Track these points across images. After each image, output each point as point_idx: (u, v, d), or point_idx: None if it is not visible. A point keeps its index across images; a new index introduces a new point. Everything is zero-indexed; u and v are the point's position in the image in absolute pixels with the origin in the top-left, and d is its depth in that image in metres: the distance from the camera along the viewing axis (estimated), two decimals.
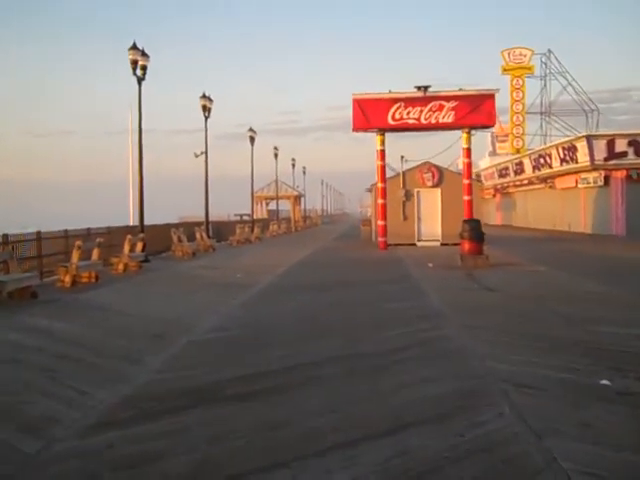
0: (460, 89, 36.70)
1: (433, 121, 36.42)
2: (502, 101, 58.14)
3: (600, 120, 68.63)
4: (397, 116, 36.48)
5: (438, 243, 40.04)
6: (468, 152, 37.39)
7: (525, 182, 67.32)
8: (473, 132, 37.73)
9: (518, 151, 68.66)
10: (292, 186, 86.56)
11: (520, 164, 66.85)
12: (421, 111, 36.38)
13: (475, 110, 36.00)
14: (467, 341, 11.98)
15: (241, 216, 78.15)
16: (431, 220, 40.43)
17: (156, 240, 35.06)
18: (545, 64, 70.02)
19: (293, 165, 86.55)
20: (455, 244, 38.70)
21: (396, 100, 36.51)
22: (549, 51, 69.74)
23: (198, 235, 38.48)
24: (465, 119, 36.17)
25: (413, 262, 28.33)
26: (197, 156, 42.59)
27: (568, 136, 60.18)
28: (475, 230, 26.11)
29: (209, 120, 42.02)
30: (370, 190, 48.46)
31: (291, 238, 60.45)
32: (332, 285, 20.83)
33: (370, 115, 36.49)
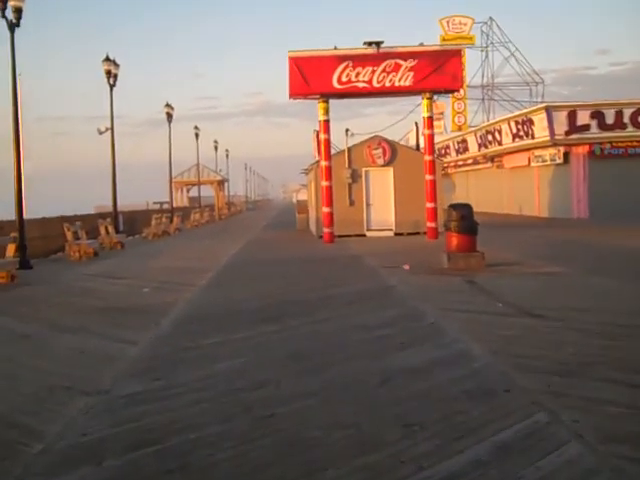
0: (421, 44, 29.57)
1: (388, 84, 29.12)
2: None
3: (545, 94, 62.39)
4: (344, 78, 29.12)
5: (391, 233, 32.97)
6: (430, 121, 30.24)
7: (469, 162, 60.89)
8: (435, 97, 30.78)
9: (460, 128, 62.02)
10: (215, 170, 78.57)
11: (464, 142, 60.33)
12: (373, 72, 29.05)
13: (438, 70, 28.87)
14: None
15: (161, 204, 70.28)
16: (383, 205, 33.21)
17: (48, 238, 27.30)
18: (487, 34, 63.45)
19: (215, 147, 78.54)
20: (411, 233, 32.03)
21: (343, 58, 29.12)
22: (490, 19, 63.12)
23: (102, 229, 30.69)
24: (426, 81, 29.00)
25: (378, 262, 21.15)
26: (101, 132, 34.68)
27: (512, 112, 53.82)
28: (466, 219, 19.00)
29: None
30: (307, 172, 40.97)
31: (216, 228, 52.80)
32: (280, 309, 13.44)
33: (311, 77, 29.07)
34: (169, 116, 48.39)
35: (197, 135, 63.43)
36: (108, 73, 33.76)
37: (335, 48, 29.38)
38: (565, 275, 16.85)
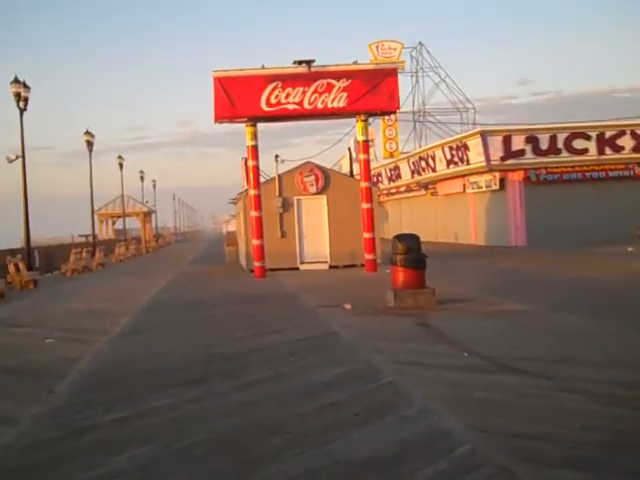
0: (355, 62, 27.49)
1: (320, 105, 26.91)
2: None
3: (477, 120, 61.13)
4: (273, 100, 26.84)
5: (326, 266, 30.73)
6: (365, 146, 28.15)
7: (402, 189, 59.23)
8: (370, 120, 28.79)
9: (392, 155, 60.33)
10: (141, 201, 75.46)
11: (396, 169, 58.76)
12: (304, 92, 26.83)
13: (373, 90, 26.79)
14: None
15: (87, 237, 67.01)
16: (316, 236, 30.97)
17: None
18: (416, 59, 62.10)
19: (142, 177, 75.65)
20: (347, 266, 29.91)
21: (272, 78, 26.86)
22: (420, 44, 61.80)
23: (11, 267, 27.79)
24: (361, 102, 26.89)
25: (315, 300, 18.83)
26: (10, 161, 31.74)
27: (444, 138, 52.38)
28: (414, 252, 16.83)
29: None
30: (235, 201, 38.57)
31: (142, 262, 49.98)
32: (206, 366, 10.99)
33: (237, 99, 26.75)
34: (89, 144, 45.57)
35: (121, 165, 60.62)
36: (17, 96, 31.04)
37: (263, 67, 27.16)
38: (530, 313, 14.78)
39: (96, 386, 9.98)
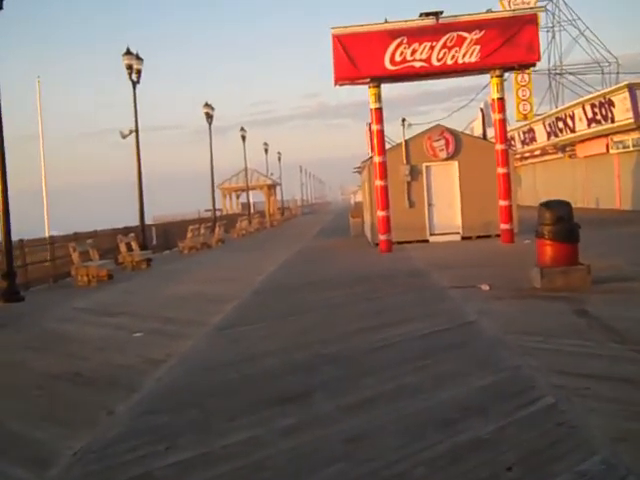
0: (489, 10, 24.64)
1: (450, 61, 24.18)
2: None
3: (621, 75, 56.50)
4: (398, 57, 24.29)
5: (458, 237, 28.12)
6: (501, 104, 25.23)
7: (537, 153, 55.56)
8: (506, 75, 25.95)
9: (525, 117, 56.52)
10: (265, 174, 74.05)
11: (530, 132, 55.01)
12: (432, 48, 24.14)
13: (510, 41, 23.86)
14: None
15: (213, 211, 66.16)
16: (447, 206, 28.34)
17: (57, 260, 23.28)
18: (553, 13, 57.83)
19: (266, 150, 74.21)
20: (481, 236, 27.23)
21: (396, 34, 24.27)
22: None
23: (122, 247, 26.35)
24: (496, 55, 24.00)
25: (447, 279, 16.36)
26: (125, 136, 30.39)
27: (582, 96, 48.44)
28: (565, 222, 14.15)
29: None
30: (360, 170, 36.24)
31: (264, 236, 48.43)
32: (310, 374, 8.78)
33: (358, 58, 24.34)
34: (209, 116, 44.07)
35: (244, 137, 59.13)
36: (129, 68, 29.59)
37: (386, 22, 24.60)
38: None
39: (169, 404, 7.89)
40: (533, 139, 54.94)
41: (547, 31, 57.37)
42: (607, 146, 43.95)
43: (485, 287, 14.40)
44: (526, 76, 55.38)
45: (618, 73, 56.37)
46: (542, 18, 56.36)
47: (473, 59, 24.14)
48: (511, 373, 7.98)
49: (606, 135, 42.82)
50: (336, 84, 25.10)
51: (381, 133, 25.52)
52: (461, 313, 11.97)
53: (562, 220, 14.06)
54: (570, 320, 10.69)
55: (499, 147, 25.34)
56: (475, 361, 8.66)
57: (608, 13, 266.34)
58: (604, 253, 18.91)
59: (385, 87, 25.63)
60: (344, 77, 24.96)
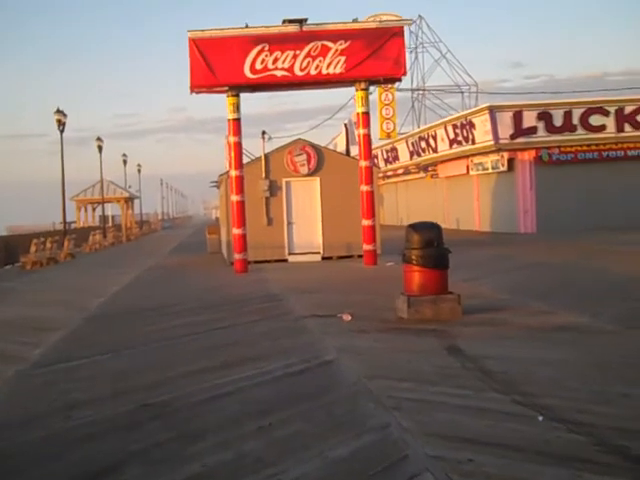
0: (355, 20, 23.35)
1: (313, 71, 22.72)
2: None
3: (480, 98, 56.90)
4: (259, 65, 22.66)
5: (318, 257, 26.74)
6: (366, 118, 23.97)
7: (399, 172, 55.17)
8: (372, 88, 24.75)
9: (389, 136, 56.06)
10: (123, 187, 70.98)
11: (393, 150, 54.64)
12: (295, 57, 22.62)
13: (376, 54, 22.63)
14: None
15: (69, 224, 62.86)
16: (308, 224, 26.92)
17: None
18: (416, 35, 57.76)
19: (124, 162, 71.36)
20: (342, 257, 25.95)
21: (257, 40, 22.64)
22: (420, 17, 57.48)
23: None
24: (361, 68, 22.69)
25: (305, 305, 14.79)
26: None
27: (443, 117, 48.32)
28: (434, 247, 12.82)
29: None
30: (218, 184, 34.43)
31: (117, 251, 45.81)
32: (128, 445, 7.07)
33: (217, 64, 22.58)
34: (60, 124, 41.16)
35: (100, 148, 56.13)
36: None
37: (247, 27, 22.96)
38: (598, 331, 10.85)
39: None
40: (396, 158, 54.59)
41: (410, 52, 57.19)
42: (468, 167, 43.77)
43: (346, 317, 12.90)
44: (390, 95, 55.06)
45: (477, 94, 56.85)
46: (406, 39, 56.32)
47: (338, 70, 22.79)
48: (377, 436, 6.41)
49: (467, 156, 42.62)
50: (192, 92, 23.27)
51: (239, 145, 23.80)
52: (319, 350, 10.38)
53: (431, 244, 12.74)
54: (443, 360, 9.28)
55: (363, 163, 24.07)
56: (333, 418, 7.06)
57: (470, 38, 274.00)
58: (470, 278, 17.87)
59: (249, 104, 24.07)
60: (201, 85, 23.17)
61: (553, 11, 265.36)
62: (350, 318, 12.80)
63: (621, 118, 37.89)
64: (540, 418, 6.68)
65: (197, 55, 22.63)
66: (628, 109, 37.98)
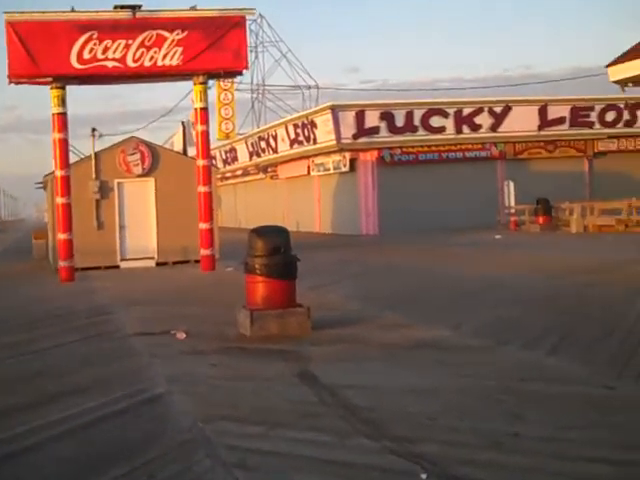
0: (193, 7, 21.53)
1: (148, 63, 20.75)
2: None
3: (321, 95, 56.05)
4: (87, 55, 20.48)
5: (153, 262, 24.81)
6: (204, 115, 22.21)
7: (238, 173, 53.70)
8: (210, 83, 23.10)
9: (228, 136, 54.31)
10: None
11: (232, 151, 53.13)
12: (128, 46, 20.56)
13: (215, 46, 20.94)
14: None
15: None
16: (141, 228, 24.90)
17: None
18: (256, 34, 56.29)
19: None
20: (179, 262, 24.21)
21: (85, 27, 20.46)
22: (260, 16, 56.03)
23: None
24: (199, 60, 20.91)
25: (134, 321, 12.94)
26: None
27: (282, 117, 47.25)
28: (281, 254, 11.32)
29: None
30: (44, 185, 31.88)
31: None
32: None
33: (39, 52, 20.27)
34: None
35: None
36: None
37: (73, 11, 20.80)
38: (463, 347, 9.68)
39: None
40: (235, 159, 53.17)
41: (250, 51, 55.63)
42: (309, 168, 42.82)
43: (180, 335, 11.19)
44: (229, 94, 53.29)
45: (318, 96, 56.03)
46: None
47: (175, 62, 20.97)
48: None
49: (308, 157, 41.67)
50: (11, 82, 20.89)
51: (64, 143, 21.57)
52: (146, 380, 8.63)
53: (278, 251, 11.22)
54: (296, 392, 7.76)
55: (201, 162, 22.33)
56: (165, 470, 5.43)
57: (309, 40, 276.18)
58: (317, 285, 16.59)
59: (82, 103, 21.87)
60: (20, 74, 20.83)
61: (382, 16, 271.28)
62: (185, 336, 11.12)
63: (459, 120, 37.94)
64: (423, 476, 5.28)
65: (16, 41, 20.26)
66: (466, 111, 38.07)
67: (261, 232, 11.48)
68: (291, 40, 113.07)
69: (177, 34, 20.83)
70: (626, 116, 40.55)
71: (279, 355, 9.63)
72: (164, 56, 20.89)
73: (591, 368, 8.27)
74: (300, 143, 40.88)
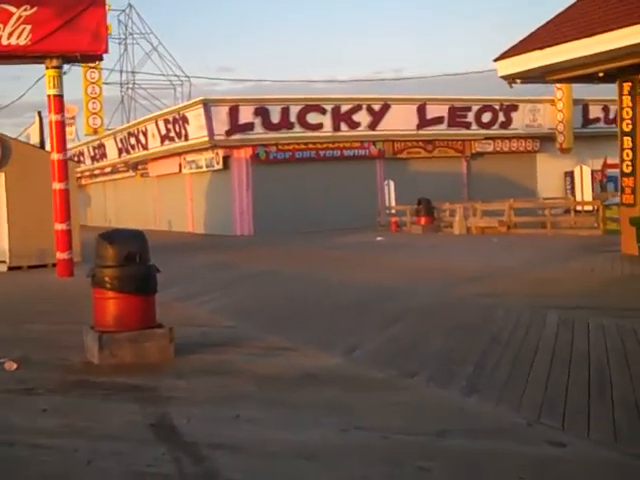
0: None
1: None
2: (73, 73, 39.49)
3: (193, 94, 53.52)
4: None
5: (5, 267, 22.03)
6: (59, 103, 19.55)
7: (107, 170, 50.68)
8: (66, 68, 20.54)
9: (96, 131, 51.08)
10: None
11: (101, 147, 50.02)
12: None
13: (70, 25, 18.35)
14: None
15: None
16: None
17: None
18: (125, 25, 53.28)
19: None
20: (35, 266, 21.58)
21: None
22: (130, 6, 53.03)
23: None
24: (51, 40, 18.24)
25: None
26: None
27: (152, 112, 44.64)
28: (136, 264, 9.12)
29: None
30: None
31: None
32: None
33: None
34: None
35: None
36: None
37: None
38: (367, 383, 7.77)
39: None
40: (104, 155, 50.06)
41: (119, 43, 52.75)
42: (180, 165, 40.43)
43: (10, 365, 8.86)
44: (97, 88, 50.07)
45: (190, 92, 53.59)
46: (114, 28, 51.72)
47: (22, 42, 18.23)
48: None
49: (179, 154, 39.29)
50: None
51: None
52: None
53: (133, 260, 9.03)
54: (148, 456, 5.64)
55: (56, 157, 19.70)
56: None
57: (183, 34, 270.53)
58: (184, 296, 14.52)
59: None
60: None
61: (256, 17, 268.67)
62: (15, 367, 8.80)
63: (337, 117, 36.38)
64: None
65: None
66: (344, 108, 36.53)
67: (111, 237, 9.22)
68: (163, 34, 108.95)
69: (25, 10, 18.13)
70: (501, 117, 39.96)
71: (131, 393, 7.52)
72: (10, 34, 18.15)
73: (526, 413, 6.49)
74: (171, 139, 38.45)
